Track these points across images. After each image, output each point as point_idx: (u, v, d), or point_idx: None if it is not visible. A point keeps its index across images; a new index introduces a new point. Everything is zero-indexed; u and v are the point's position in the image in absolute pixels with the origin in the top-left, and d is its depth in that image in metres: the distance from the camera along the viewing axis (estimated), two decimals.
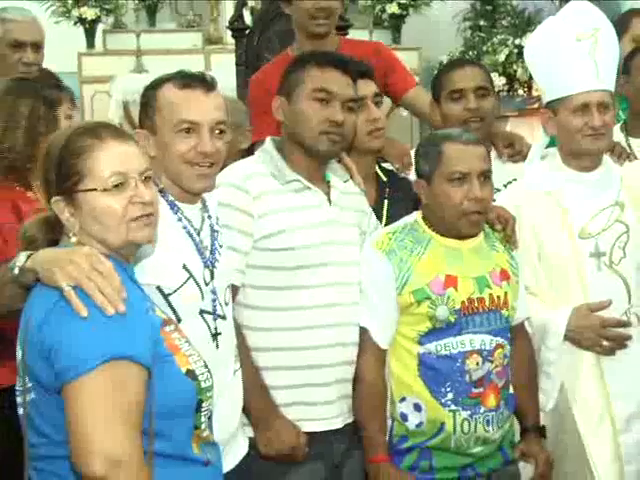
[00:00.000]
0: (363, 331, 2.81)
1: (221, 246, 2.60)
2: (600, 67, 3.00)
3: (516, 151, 3.46)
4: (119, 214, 2.08)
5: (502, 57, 5.10)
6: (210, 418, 2.22)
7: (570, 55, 3.00)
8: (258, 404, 2.69)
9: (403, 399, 2.79)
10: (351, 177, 2.99)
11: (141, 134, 2.47)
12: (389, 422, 2.82)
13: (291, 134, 2.83)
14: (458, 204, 2.74)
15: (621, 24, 3.22)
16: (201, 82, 2.49)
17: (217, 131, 2.50)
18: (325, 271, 2.78)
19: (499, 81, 5.07)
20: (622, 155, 3.19)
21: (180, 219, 2.51)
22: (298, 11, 3.73)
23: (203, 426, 2.18)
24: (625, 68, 3.61)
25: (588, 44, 3.00)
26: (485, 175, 2.77)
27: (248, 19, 5.56)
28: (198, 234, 2.54)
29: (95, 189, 2.08)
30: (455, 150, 2.77)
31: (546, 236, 3.02)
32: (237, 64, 5.41)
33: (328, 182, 2.88)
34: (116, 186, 2.08)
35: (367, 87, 3.12)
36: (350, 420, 2.84)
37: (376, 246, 2.82)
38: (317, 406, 2.78)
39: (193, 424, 2.14)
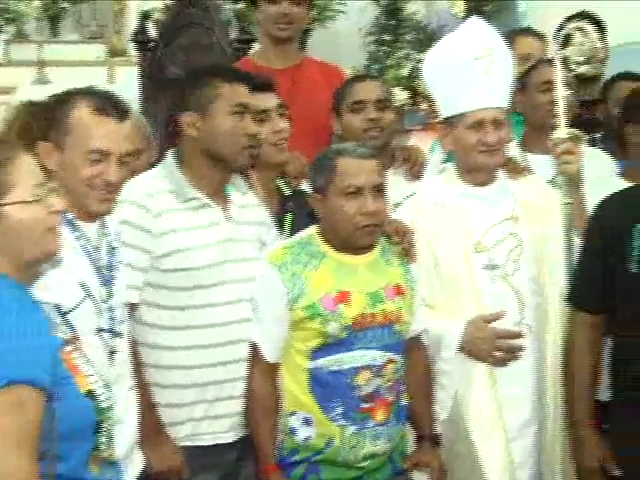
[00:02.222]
0: (253, 345, 2.84)
1: (119, 263, 2.60)
2: (495, 85, 3.08)
3: (415, 165, 3.54)
4: (41, 224, 2.06)
5: (406, 71, 5.18)
6: (111, 438, 2.21)
7: (466, 73, 3.06)
8: (146, 422, 2.69)
9: (293, 413, 2.82)
10: (252, 188, 3.02)
11: (45, 147, 2.44)
12: (279, 435, 2.85)
13: (205, 149, 2.84)
14: (352, 217, 2.78)
15: (507, 43, 3.30)
16: (116, 109, 2.49)
17: (124, 161, 2.51)
18: (222, 289, 2.83)
19: (402, 95, 5.14)
20: (516, 170, 3.26)
21: (78, 237, 2.50)
22: (263, 16, 3.93)
23: (103, 447, 2.17)
24: (521, 86, 3.70)
25: (484, 62, 3.07)
26: (379, 188, 2.82)
27: (152, 31, 5.51)
28: (96, 252, 2.53)
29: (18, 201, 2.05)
30: (349, 164, 2.80)
31: (441, 249, 3.07)
32: (141, 77, 5.38)
33: (228, 196, 2.90)
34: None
35: (270, 100, 3.16)
36: (242, 434, 2.88)
37: (270, 260, 2.84)
38: (209, 421, 2.84)
39: (92, 445, 2.12)
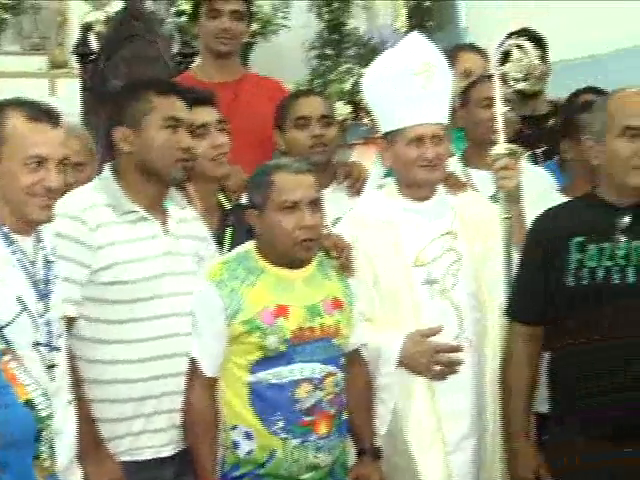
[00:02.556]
0: (191, 361, 2.83)
1: (56, 277, 2.58)
2: (434, 100, 3.10)
3: (356, 181, 3.56)
4: None
5: (348, 86, 5.20)
6: (52, 447, 2.21)
7: (405, 88, 3.07)
8: (85, 437, 2.67)
9: (234, 427, 2.81)
10: (190, 203, 3.02)
11: None
12: (221, 450, 2.84)
13: (139, 163, 2.83)
14: (290, 232, 2.79)
15: (448, 59, 3.34)
16: (48, 116, 2.48)
17: (63, 165, 2.50)
18: (161, 303, 2.82)
19: (345, 109, 5.17)
20: (456, 185, 3.29)
21: (14, 251, 2.47)
22: (203, 31, 3.98)
23: (44, 455, 2.17)
24: (463, 101, 3.74)
25: (423, 78, 3.08)
26: (315, 203, 2.83)
27: (94, 44, 5.48)
28: (32, 266, 2.51)
29: None
30: (285, 179, 2.81)
31: (381, 263, 3.08)
32: (83, 89, 5.35)
33: (166, 210, 2.89)
34: None
35: (209, 114, 3.15)
36: (181, 448, 2.87)
37: (208, 276, 2.84)
38: (148, 435, 2.83)
39: (33, 454, 2.12)
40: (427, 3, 5.68)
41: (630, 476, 2.72)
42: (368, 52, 5.29)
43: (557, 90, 4.39)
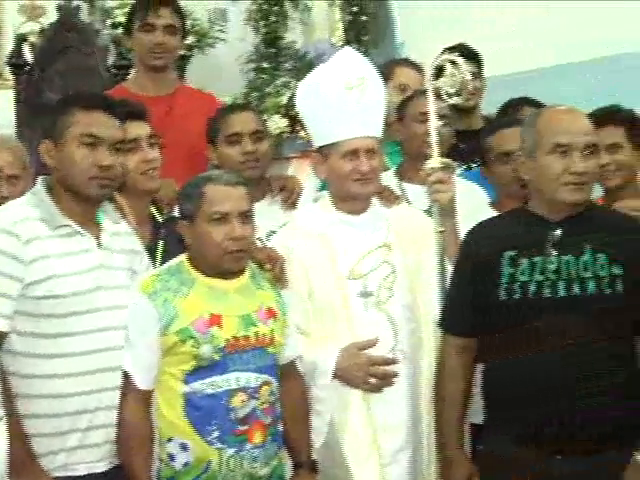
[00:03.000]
0: (125, 374, 2.81)
1: None
2: (368, 114, 3.12)
3: (291, 194, 3.57)
4: None
5: (285, 99, 5.19)
6: None
7: (339, 102, 3.09)
8: (17, 453, 2.64)
9: (170, 439, 2.80)
10: (123, 217, 3.00)
11: None
12: (157, 463, 2.82)
13: (60, 178, 2.82)
14: (219, 243, 2.80)
15: (385, 73, 3.37)
16: None
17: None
18: (95, 317, 2.79)
19: (281, 123, 5.17)
20: (391, 198, 3.31)
21: None
22: (137, 44, 3.97)
23: None
24: (399, 115, 3.77)
25: (356, 92, 3.11)
26: (246, 214, 2.84)
27: (28, 55, 5.41)
28: None
29: None
30: (216, 191, 2.83)
31: (316, 276, 3.10)
32: (17, 101, 5.27)
33: (99, 224, 2.87)
34: None
35: (141, 129, 3.14)
36: (115, 463, 2.85)
37: (140, 289, 2.83)
38: (83, 450, 2.79)
39: None
40: (363, 18, 5.70)
41: None
42: (305, 66, 5.28)
43: (495, 105, 4.46)
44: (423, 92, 3.50)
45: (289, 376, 3.00)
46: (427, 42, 4.65)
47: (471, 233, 3.01)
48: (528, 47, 5.60)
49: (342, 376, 3.05)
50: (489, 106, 4.51)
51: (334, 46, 5.40)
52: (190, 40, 5.38)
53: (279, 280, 3.01)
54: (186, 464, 2.78)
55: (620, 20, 5.31)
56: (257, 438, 2.81)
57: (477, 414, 3.09)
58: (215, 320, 2.80)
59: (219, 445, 2.76)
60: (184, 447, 2.77)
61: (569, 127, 2.81)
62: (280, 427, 2.93)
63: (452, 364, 2.97)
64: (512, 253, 2.83)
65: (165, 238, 3.17)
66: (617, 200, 3.29)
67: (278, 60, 5.51)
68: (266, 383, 2.84)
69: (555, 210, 2.84)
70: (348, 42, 5.44)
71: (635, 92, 4.81)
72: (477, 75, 4.24)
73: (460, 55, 3.34)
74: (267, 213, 3.43)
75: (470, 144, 3.86)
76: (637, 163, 3.45)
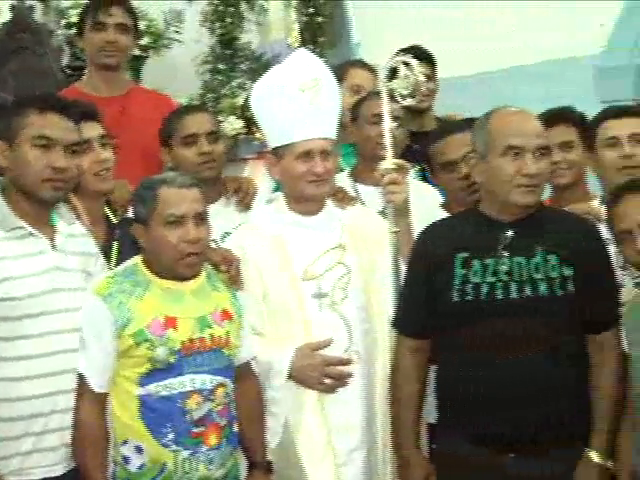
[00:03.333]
0: (80, 376, 2.80)
1: None
2: (322, 116, 3.13)
3: (246, 196, 3.57)
4: None
5: (241, 100, 5.18)
6: None
7: (293, 104, 3.10)
8: None
9: (125, 442, 2.79)
10: (78, 218, 2.98)
11: None
12: (112, 466, 2.81)
13: (14, 180, 2.80)
14: (174, 246, 2.80)
15: (338, 74, 3.38)
16: None
17: None
18: (49, 319, 2.78)
19: (237, 124, 5.15)
20: (345, 200, 3.33)
21: None
22: (89, 44, 3.96)
23: None
24: (353, 117, 3.78)
25: (310, 94, 3.12)
26: (201, 217, 2.84)
27: None
28: None
29: None
30: (170, 194, 2.82)
31: (270, 277, 3.11)
32: None
33: (54, 226, 2.85)
34: None
35: (92, 129, 3.13)
36: (71, 466, 2.83)
37: (95, 291, 2.82)
38: (38, 454, 2.77)
39: None
40: (319, 19, 5.71)
41: None
42: (261, 67, 5.27)
43: (448, 107, 4.50)
44: (376, 94, 3.52)
45: (244, 377, 3.00)
46: (383, 43, 4.66)
47: (424, 234, 3.03)
48: (482, 49, 5.65)
49: (297, 377, 3.06)
50: (443, 108, 4.54)
51: (290, 47, 5.40)
52: (145, 41, 5.35)
53: (234, 281, 3.01)
54: (141, 466, 2.78)
55: (573, 24, 5.39)
56: (212, 440, 2.81)
57: (431, 413, 3.12)
58: (171, 322, 2.79)
59: (174, 447, 2.76)
60: (139, 449, 2.77)
61: (521, 129, 2.83)
62: (235, 428, 2.93)
63: (406, 365, 2.99)
64: (464, 255, 2.85)
65: (119, 239, 3.16)
66: (565, 198, 3.32)
67: (234, 61, 5.49)
68: (221, 385, 2.85)
69: (507, 212, 2.86)
70: (304, 43, 5.44)
71: (585, 94, 4.90)
72: (430, 77, 4.27)
73: (414, 57, 3.35)
74: (222, 214, 3.43)
75: (423, 145, 3.88)
76: (586, 163, 3.50)
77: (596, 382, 2.83)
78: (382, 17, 6.04)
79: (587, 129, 3.47)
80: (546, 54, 5.46)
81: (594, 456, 2.78)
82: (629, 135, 3.28)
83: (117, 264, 3.05)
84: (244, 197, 3.58)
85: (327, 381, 3.07)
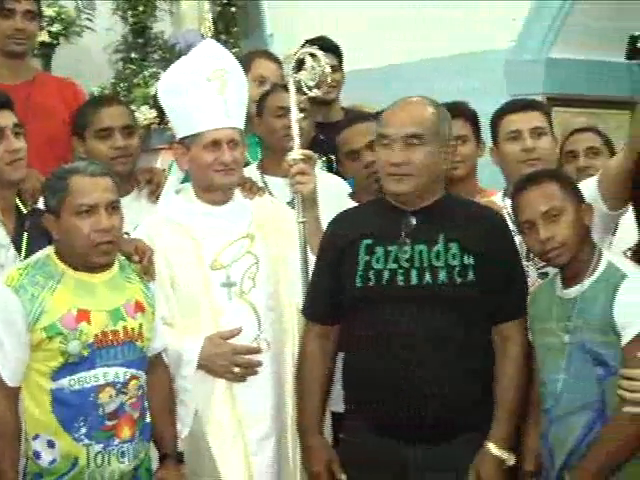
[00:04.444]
0: None
1: None
2: (229, 106, 3.13)
3: (157, 187, 3.56)
4: None
5: (153, 90, 5.14)
6: None
7: (200, 94, 3.10)
8: None
9: (37, 436, 2.76)
10: None
11: None
12: (23, 460, 2.77)
13: None
14: (87, 236, 2.76)
15: (243, 65, 3.38)
16: None
17: None
18: None
19: (150, 114, 5.12)
20: (253, 190, 3.34)
21: None
22: None
23: None
24: (258, 110, 3.78)
25: (217, 84, 3.12)
26: (113, 206, 2.82)
27: None
28: None
29: None
30: (81, 183, 2.78)
31: (179, 267, 3.10)
32: None
33: None
34: None
35: (6, 118, 3.08)
36: None
37: (6, 283, 2.76)
38: None
39: None
40: (232, 9, 5.69)
41: (417, 470, 2.81)
42: (173, 57, 5.23)
43: (355, 97, 4.53)
44: (282, 87, 3.54)
45: (155, 368, 2.99)
46: (296, 34, 4.68)
47: (332, 223, 3.06)
48: (394, 41, 5.71)
49: (206, 366, 3.07)
50: (354, 100, 4.58)
51: (203, 37, 5.37)
52: (56, 28, 5.28)
53: (147, 273, 2.99)
54: (52, 461, 2.75)
55: (484, 18, 5.47)
56: (125, 433, 2.80)
57: (338, 402, 3.15)
58: (84, 316, 2.76)
59: (87, 441, 2.74)
60: (51, 444, 2.74)
61: (391, 119, 2.88)
62: (148, 420, 2.92)
63: (312, 350, 3.02)
64: (369, 241, 2.89)
65: (29, 230, 3.10)
66: (458, 191, 3.36)
67: (146, 50, 5.46)
68: (134, 377, 2.84)
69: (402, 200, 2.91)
70: (217, 33, 5.42)
71: (495, 88, 4.99)
72: (337, 68, 4.31)
73: (320, 48, 3.37)
74: (134, 207, 3.41)
75: (330, 136, 3.92)
76: (478, 156, 3.59)
77: (498, 371, 2.87)
78: (295, 9, 6.07)
79: (478, 123, 3.57)
80: (458, 47, 5.53)
81: (492, 447, 2.82)
82: (530, 129, 3.36)
83: (27, 256, 3.00)
84: (155, 189, 3.56)
85: (236, 370, 3.08)
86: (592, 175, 3.21)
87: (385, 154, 2.85)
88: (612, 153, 3.74)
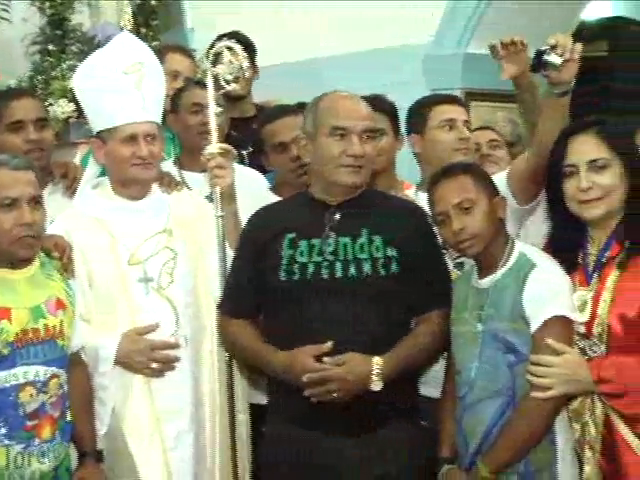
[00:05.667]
0: None
1: None
2: (146, 99, 3.11)
3: (73, 181, 3.52)
4: None
5: (72, 83, 5.07)
6: None
7: (117, 87, 3.08)
8: None
9: None
10: None
11: None
12: None
13: None
14: (9, 230, 2.73)
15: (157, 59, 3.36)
16: None
17: None
18: None
19: (68, 107, 5.05)
20: (171, 184, 3.32)
21: None
22: None
23: None
24: (173, 106, 3.76)
25: (134, 77, 3.10)
26: (35, 200, 2.78)
27: None
28: None
29: None
30: (4, 176, 2.75)
31: (96, 262, 3.08)
32: None
33: None
34: None
35: None
36: None
37: None
38: None
39: None
40: (153, 2, 5.64)
41: (341, 461, 2.82)
42: (92, 49, 5.15)
43: (275, 92, 4.54)
44: (196, 83, 3.52)
45: (74, 365, 2.96)
46: (216, 29, 4.66)
47: (253, 217, 3.06)
48: (313, 36, 5.73)
49: (124, 362, 3.05)
50: (272, 94, 4.58)
51: (123, 30, 5.31)
52: None
53: (67, 269, 2.96)
54: None
55: (403, 13, 5.52)
56: (46, 433, 2.76)
57: (260, 395, 3.16)
58: (4, 313, 2.72)
59: (7, 442, 2.70)
60: None
61: (348, 112, 2.89)
62: (68, 419, 2.89)
63: (235, 329, 3.01)
64: (292, 235, 2.90)
65: None
66: (377, 184, 3.39)
67: (64, 43, 5.37)
68: (55, 376, 2.80)
69: (334, 193, 2.92)
70: (137, 26, 5.37)
71: (414, 82, 5.04)
72: (250, 63, 4.30)
73: (237, 43, 3.36)
74: (50, 202, 3.35)
75: (242, 131, 3.92)
76: (395, 150, 3.62)
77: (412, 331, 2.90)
78: (216, 3, 6.05)
79: (397, 117, 3.60)
80: (377, 42, 5.58)
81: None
82: (462, 121, 3.43)
83: None
84: (71, 183, 3.52)
85: (154, 365, 3.07)
86: (494, 163, 3.28)
87: (341, 145, 2.86)
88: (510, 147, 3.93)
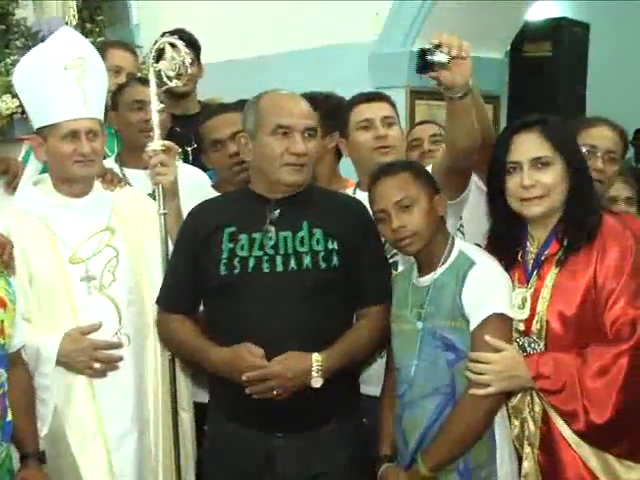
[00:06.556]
0: None
1: None
2: (88, 96, 3.08)
3: (14, 177, 3.48)
4: None
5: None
6: None
7: (58, 83, 3.04)
8: None
9: None
10: None
11: None
12: None
13: None
14: None
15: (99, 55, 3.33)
16: None
17: None
18: None
19: (12, 103, 5.00)
20: (113, 182, 3.29)
21: None
22: None
23: None
24: (114, 103, 3.73)
25: (75, 73, 3.07)
26: None
27: None
28: None
29: None
30: None
31: (36, 261, 3.04)
32: None
33: None
34: None
35: None
36: None
37: None
38: None
39: None
40: None
41: (283, 459, 2.83)
42: (36, 44, 5.12)
43: (221, 89, 4.52)
44: (138, 79, 3.49)
45: (15, 365, 2.92)
46: (162, 25, 4.63)
47: (191, 213, 3.05)
48: (259, 33, 5.72)
49: (66, 362, 3.02)
50: (218, 91, 4.57)
51: (68, 24, 5.27)
52: None
53: (7, 267, 2.93)
54: None
55: (349, 11, 5.53)
56: None
57: (203, 394, 3.15)
58: None
59: None
60: None
61: (290, 110, 2.89)
62: (9, 419, 2.84)
63: (175, 325, 2.99)
64: (232, 229, 2.89)
65: None
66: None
67: (8, 37, 5.32)
68: None
69: (275, 190, 2.91)
70: (82, 21, 5.33)
71: (360, 80, 5.05)
72: (194, 60, 4.28)
73: (180, 39, 3.35)
74: None
75: (186, 128, 3.90)
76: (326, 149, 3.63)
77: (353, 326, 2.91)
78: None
79: (330, 115, 3.59)
80: (323, 39, 5.58)
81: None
82: (381, 118, 3.41)
83: None
84: (12, 179, 3.49)
85: (96, 365, 3.04)
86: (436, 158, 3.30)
87: (283, 143, 2.86)
88: None
